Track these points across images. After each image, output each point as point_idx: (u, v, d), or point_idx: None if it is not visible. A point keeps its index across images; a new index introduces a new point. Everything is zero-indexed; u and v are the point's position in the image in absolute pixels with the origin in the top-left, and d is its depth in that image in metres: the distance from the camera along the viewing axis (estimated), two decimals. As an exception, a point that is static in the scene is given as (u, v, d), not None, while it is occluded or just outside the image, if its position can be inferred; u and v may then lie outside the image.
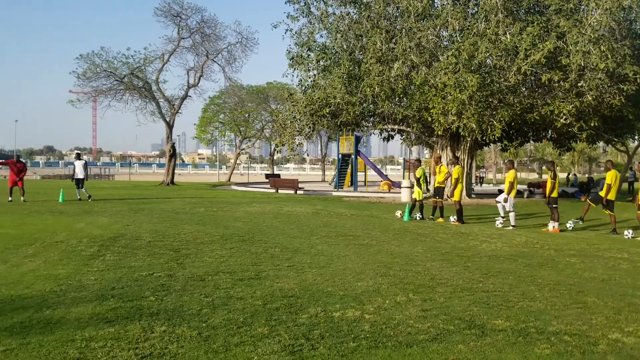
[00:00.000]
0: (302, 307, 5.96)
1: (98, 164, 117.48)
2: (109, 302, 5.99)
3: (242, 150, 55.47)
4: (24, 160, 21.99)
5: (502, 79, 20.72)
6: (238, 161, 61.08)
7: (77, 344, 4.60)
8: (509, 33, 20.07)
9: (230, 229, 12.88)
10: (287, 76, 30.34)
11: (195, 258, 8.94)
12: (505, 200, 14.93)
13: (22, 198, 20.18)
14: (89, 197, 21.50)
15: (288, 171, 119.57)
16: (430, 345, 4.82)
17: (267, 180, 48.56)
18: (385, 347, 4.75)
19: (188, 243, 10.53)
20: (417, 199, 16.59)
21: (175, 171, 41.29)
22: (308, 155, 60.36)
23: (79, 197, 21.44)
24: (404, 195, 25.20)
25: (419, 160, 17.08)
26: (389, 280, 7.46)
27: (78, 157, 22.93)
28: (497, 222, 15.00)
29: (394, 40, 23.21)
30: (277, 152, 37.81)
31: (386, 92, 22.57)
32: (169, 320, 5.37)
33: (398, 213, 17.02)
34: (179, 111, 39.08)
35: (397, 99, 24.58)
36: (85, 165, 22.22)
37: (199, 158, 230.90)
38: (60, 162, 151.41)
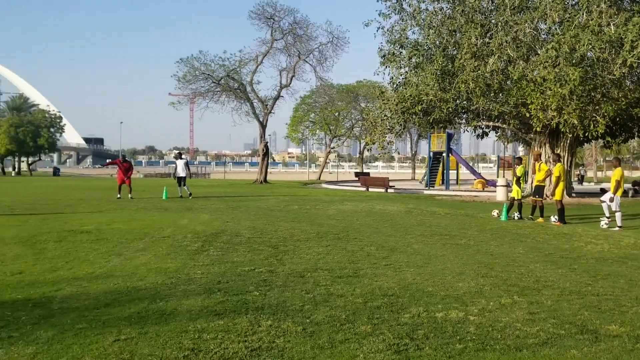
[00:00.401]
0: (404, 307, 5.91)
1: (195, 163, 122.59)
2: (216, 296, 6.22)
3: (332, 148, 55.94)
4: (129, 160, 23.33)
5: (606, 72, 19.53)
6: (327, 160, 61.63)
7: (190, 335, 4.81)
8: (613, 24, 18.87)
9: (324, 227, 13.01)
10: (378, 74, 30.56)
11: (293, 255, 9.10)
12: (611, 200, 14.07)
13: (129, 195, 21.43)
14: (190, 194, 22.47)
15: (377, 169, 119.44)
16: (540, 350, 4.63)
17: (357, 179, 48.72)
18: (494, 350, 4.61)
19: (285, 240, 10.74)
20: (516, 198, 15.98)
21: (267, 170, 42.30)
22: (398, 153, 59.69)
23: (180, 195, 22.46)
24: (500, 194, 24.40)
25: (520, 159, 16.41)
26: (491, 282, 7.24)
27: (179, 156, 24.02)
28: (602, 223, 14.15)
29: (489, 35, 22.48)
30: (367, 150, 37.73)
31: (481, 88, 21.92)
32: (273, 315, 5.50)
33: (495, 212, 16.49)
34: (272, 111, 40.04)
35: (492, 94, 23.81)
36: (187, 164, 23.24)
37: (289, 157, 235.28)
38: (160, 161, 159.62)
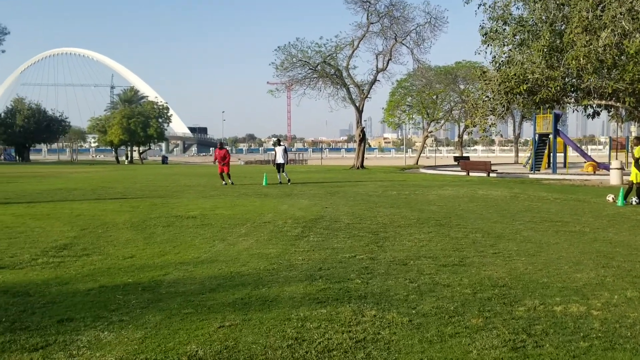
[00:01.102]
0: (517, 299, 5.48)
1: (293, 149, 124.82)
2: (318, 283, 6.10)
3: (430, 132, 54.70)
4: (225, 147, 23.96)
5: None
6: (425, 144, 60.36)
7: (293, 323, 4.70)
8: None
9: (425, 213, 12.61)
10: (479, 53, 29.09)
11: (394, 241, 8.83)
12: None
13: (230, 181, 22.01)
14: (289, 180, 22.73)
15: (476, 153, 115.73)
16: (681, 353, 4.08)
17: (456, 163, 47.33)
18: (624, 350, 4.12)
19: (385, 226, 10.48)
20: (635, 182, 14.68)
21: (364, 155, 42.04)
22: (501, 135, 57.29)
23: (279, 181, 22.78)
24: (614, 177, 22.67)
25: (638, 139, 15.08)
26: (613, 272, 6.59)
27: (278, 143, 24.35)
28: None
29: (601, 7, 20.80)
30: (467, 133, 36.43)
31: (593, 64, 20.35)
32: (377, 305, 5.28)
33: (610, 197, 15.27)
34: (368, 96, 39.69)
35: (605, 71, 22.07)
36: (285, 151, 23.52)
37: (385, 142, 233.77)
38: (259, 148, 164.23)
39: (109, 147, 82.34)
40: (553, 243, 8.65)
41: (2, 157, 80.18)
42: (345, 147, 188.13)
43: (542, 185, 22.34)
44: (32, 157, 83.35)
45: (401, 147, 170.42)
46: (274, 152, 24.09)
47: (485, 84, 26.53)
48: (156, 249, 8.06)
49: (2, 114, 74.07)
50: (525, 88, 23.71)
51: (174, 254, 7.75)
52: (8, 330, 4.47)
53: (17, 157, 77.14)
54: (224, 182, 22.04)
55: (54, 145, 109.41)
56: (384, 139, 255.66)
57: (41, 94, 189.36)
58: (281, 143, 24.29)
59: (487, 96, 26.67)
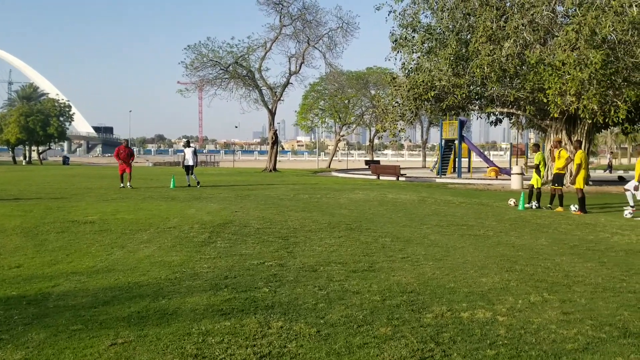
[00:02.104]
0: (425, 305, 5.45)
1: (204, 151, 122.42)
2: (223, 293, 5.80)
3: (342, 136, 55.37)
4: (131, 147, 22.95)
5: (628, 56, 18.86)
6: (337, 148, 61.04)
7: (193, 339, 4.39)
8: (636, 5, 18.16)
9: (336, 217, 12.57)
10: (389, 60, 29.59)
11: (304, 246, 8.67)
12: (636, 189, 13.52)
13: (128, 184, 21.00)
14: (198, 183, 22.09)
15: (386, 157, 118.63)
16: (582, 356, 4.17)
17: (367, 167, 48.20)
18: (529, 357, 4.15)
19: (296, 231, 10.31)
20: (535, 186, 15.43)
21: (277, 158, 41.82)
22: (410, 140, 58.90)
23: (188, 183, 22.08)
24: (515, 182, 23.83)
25: (537, 145, 15.86)
26: (517, 277, 6.76)
27: (188, 144, 23.62)
28: (626, 212, 13.59)
29: (504, 18, 21.85)
30: (378, 138, 37.13)
31: (497, 73, 21.27)
32: (284, 315, 5.07)
33: (511, 201, 15.97)
34: (281, 98, 39.50)
35: (508, 80, 23.17)
36: (195, 153, 22.86)
37: (298, 145, 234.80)
38: (169, 149, 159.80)
39: (4, 147, 76.89)
40: (459, 247, 8.82)
41: None
42: (259, 149, 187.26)
43: (448, 189, 23.08)
44: None
45: (314, 150, 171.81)
46: (183, 154, 23.35)
47: (395, 89, 27.12)
48: (47, 258, 7.42)
49: None
50: (432, 95, 24.44)
51: (67, 262, 7.16)
52: None
53: None
54: (122, 185, 21.04)
55: None
56: (297, 142, 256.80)
57: None
58: (191, 144, 23.60)
59: (397, 102, 27.29)
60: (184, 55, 67.65)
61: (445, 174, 35.39)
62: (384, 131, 29.70)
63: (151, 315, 5.00)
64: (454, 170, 36.41)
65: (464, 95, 23.87)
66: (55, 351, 4.05)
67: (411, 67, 26.17)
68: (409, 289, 6.09)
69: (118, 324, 4.73)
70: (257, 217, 12.29)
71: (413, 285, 6.27)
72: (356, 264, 7.43)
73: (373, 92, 50.20)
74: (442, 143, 36.75)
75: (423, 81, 24.12)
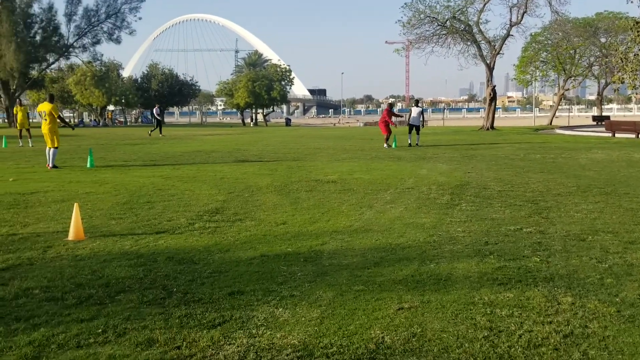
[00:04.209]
0: None
1: (429, 110, 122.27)
2: (490, 260, 5.49)
3: (567, 90, 50.68)
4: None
5: None
6: (560, 103, 56.04)
7: (480, 309, 4.16)
8: None
9: (583, 179, 11.42)
10: (632, 2, 25.40)
11: (559, 212, 7.95)
12: None
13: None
14: (417, 144, 21.87)
15: (611, 112, 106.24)
16: None
17: (595, 123, 43.69)
18: None
19: (543, 194, 9.55)
20: None
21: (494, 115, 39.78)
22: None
23: (409, 142, 22.00)
24: None
25: None
26: None
27: (416, 103, 23.35)
28: None
29: None
30: (615, 90, 33.16)
31: None
32: (570, 290, 4.59)
33: None
34: (500, 52, 37.21)
35: None
36: (422, 113, 22.63)
37: (509, 101, 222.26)
38: (377, 109, 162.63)
39: (234, 110, 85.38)
40: None
41: (140, 119, 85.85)
42: (467, 107, 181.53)
43: None
44: (165, 119, 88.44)
45: (527, 106, 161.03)
46: (409, 112, 23.26)
47: (638, 35, 23.76)
48: (306, 216, 7.83)
49: (139, 79, 79.01)
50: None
51: (325, 221, 7.46)
52: (182, 303, 4.34)
53: (153, 120, 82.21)
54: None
55: (185, 108, 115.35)
56: (508, 97, 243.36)
57: (172, 60, 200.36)
58: (419, 104, 23.29)
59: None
60: (400, 13, 67.12)
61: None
62: (622, 83, 26.42)
63: (426, 280, 4.89)
64: None
65: None
66: (347, 312, 4.13)
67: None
68: None
69: (396, 287, 4.70)
70: (494, 178, 11.70)
71: None
72: (630, 234, 6.56)
73: (604, 40, 44.72)
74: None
75: (677, 23, 20.67)
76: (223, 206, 8.62)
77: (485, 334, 3.72)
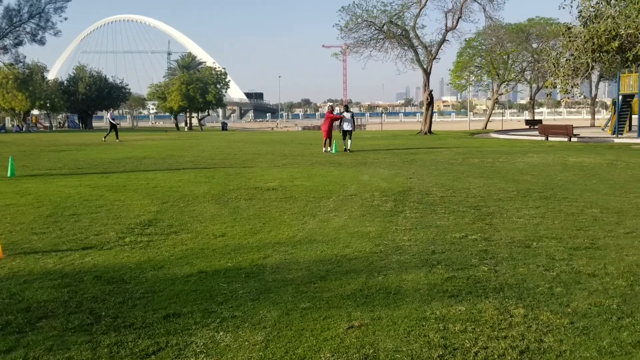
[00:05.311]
0: (689, 294, 4.63)
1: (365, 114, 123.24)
2: (439, 270, 5.40)
3: (500, 94, 52.44)
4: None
5: None
6: (493, 107, 57.91)
7: (432, 325, 4.03)
8: None
9: (522, 183, 11.67)
10: (563, 8, 26.73)
11: (502, 218, 8.02)
12: None
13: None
14: (348, 149, 21.74)
15: (542, 116, 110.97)
16: None
17: (528, 127, 45.37)
18: None
19: (484, 199, 9.65)
20: None
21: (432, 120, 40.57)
22: (584, 97, 53.98)
23: (345, 148, 21.96)
24: None
25: None
26: None
27: (347, 109, 23.45)
28: None
29: None
30: (548, 95, 34.48)
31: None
32: (521, 300, 4.55)
33: None
34: (437, 57, 38.05)
35: None
36: (353, 117, 22.69)
37: (444, 105, 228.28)
38: (316, 114, 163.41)
39: (168, 114, 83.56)
40: (692, 221, 7.63)
41: (66, 124, 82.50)
42: (404, 111, 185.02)
43: (634, 151, 20.75)
44: (94, 124, 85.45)
45: (462, 110, 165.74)
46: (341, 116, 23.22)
47: (570, 41, 24.78)
48: (246, 226, 7.54)
49: (65, 82, 75.91)
50: (616, 45, 21.94)
51: (266, 232, 7.21)
52: (112, 329, 3.99)
53: (80, 125, 79.19)
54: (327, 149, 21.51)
55: (115, 112, 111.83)
56: (443, 102, 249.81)
57: (101, 62, 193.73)
58: (349, 109, 23.40)
59: (572, 54, 24.93)
60: (337, 17, 67.61)
61: (622, 133, 32.00)
62: (554, 87, 27.50)
63: (375, 294, 4.73)
64: (630, 129, 32.85)
65: (657, 43, 21.13)
66: (294, 333, 3.91)
67: (589, 15, 23.67)
68: (657, 272, 5.26)
69: (345, 302, 4.52)
70: (435, 183, 11.78)
71: (659, 268, 5.41)
72: (573, 239, 6.66)
73: (535, 45, 46.56)
74: (620, 99, 33.16)
75: (605, 30, 21.69)
76: (156, 217, 8.22)
77: (440, 353, 3.58)
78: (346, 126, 22.27)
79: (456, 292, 4.78)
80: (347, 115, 22.52)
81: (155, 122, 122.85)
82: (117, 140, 31.22)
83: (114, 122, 33.40)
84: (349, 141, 22.11)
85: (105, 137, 32.40)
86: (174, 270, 5.48)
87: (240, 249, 6.34)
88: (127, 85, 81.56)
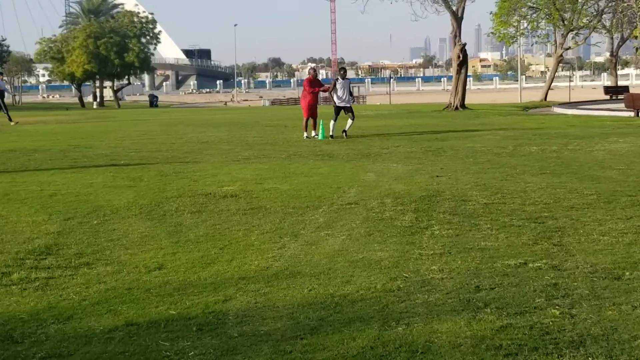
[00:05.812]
0: None
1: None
2: (487, 316, 5.45)
3: (567, 49, 53.00)
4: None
5: None
6: (556, 68, 58.36)
7: (483, 399, 4.08)
8: None
9: (603, 183, 11.91)
10: None
11: (576, 235, 8.17)
12: None
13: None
14: (344, 132, 21.75)
15: (628, 81, 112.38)
16: None
17: (609, 97, 45.78)
18: None
19: (549, 207, 9.82)
20: None
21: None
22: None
23: (343, 130, 21.91)
24: None
25: None
26: None
27: (343, 74, 23.11)
28: None
29: None
30: (638, 50, 34.93)
31: None
32: (609, 359, 4.61)
33: None
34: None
35: None
36: (350, 86, 22.73)
37: (482, 66, 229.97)
38: (291, 80, 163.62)
39: (67, 83, 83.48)
40: None
41: None
42: (422, 74, 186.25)
43: None
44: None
45: (509, 73, 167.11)
46: (331, 86, 23.19)
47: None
48: (194, 254, 7.61)
49: None
50: None
51: (226, 261, 7.27)
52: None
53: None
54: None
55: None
56: (481, 60, 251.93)
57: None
58: (346, 75, 23.25)
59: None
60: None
61: None
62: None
63: (393, 353, 4.76)
64: None
65: None
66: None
67: None
68: None
69: (352, 372, 4.56)
70: (475, 184, 11.95)
71: None
72: (685, 268, 6.78)
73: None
74: None
75: None
76: (58, 242, 8.26)
77: None
78: (340, 99, 22.25)
79: (515, 348, 4.83)
80: (342, 84, 22.38)
81: (49, 96, 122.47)
82: (12, 124, 31.21)
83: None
84: (349, 121, 22.05)
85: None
86: (89, 323, 5.49)
87: (188, 288, 6.37)
88: (3, 40, 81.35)
